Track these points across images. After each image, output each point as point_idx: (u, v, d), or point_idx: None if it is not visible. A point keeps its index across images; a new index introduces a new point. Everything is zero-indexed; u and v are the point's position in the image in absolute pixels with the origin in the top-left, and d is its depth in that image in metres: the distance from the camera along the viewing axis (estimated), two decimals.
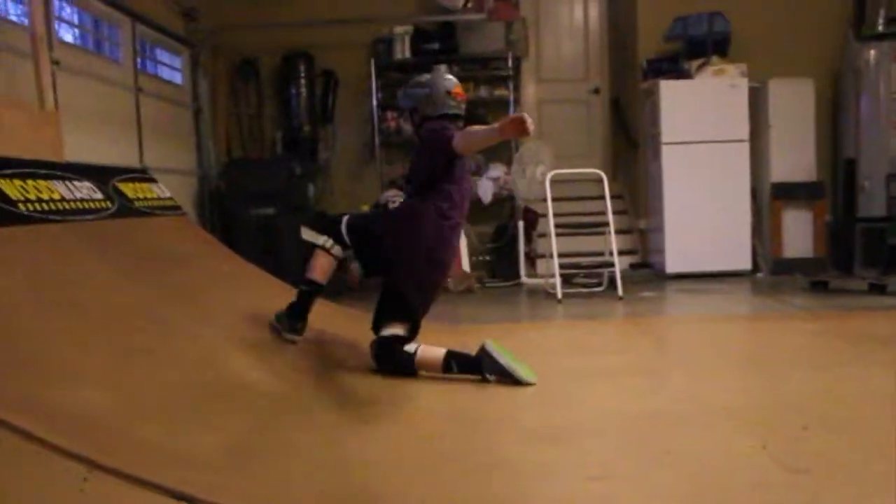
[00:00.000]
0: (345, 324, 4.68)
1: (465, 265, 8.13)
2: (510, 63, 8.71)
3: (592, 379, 3.94)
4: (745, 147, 8.09)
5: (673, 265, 8.04)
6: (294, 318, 4.12)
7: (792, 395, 3.55)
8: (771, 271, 8.24)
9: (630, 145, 9.29)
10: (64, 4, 6.04)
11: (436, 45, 8.73)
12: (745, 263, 8.14)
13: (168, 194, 5.71)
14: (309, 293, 4.12)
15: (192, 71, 8.41)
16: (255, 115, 9.07)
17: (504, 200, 8.52)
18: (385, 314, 4.00)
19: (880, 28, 8.33)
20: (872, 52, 8.19)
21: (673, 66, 8.32)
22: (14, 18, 5.54)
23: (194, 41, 8.34)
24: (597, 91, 9.81)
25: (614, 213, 7.25)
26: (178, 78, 8.30)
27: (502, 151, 8.48)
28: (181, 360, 3.41)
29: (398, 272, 3.99)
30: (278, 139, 8.99)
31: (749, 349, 4.94)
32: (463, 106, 4.36)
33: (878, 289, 6.82)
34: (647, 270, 8.54)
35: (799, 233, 8.42)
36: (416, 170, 4.26)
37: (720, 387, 3.74)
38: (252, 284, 5.06)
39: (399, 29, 8.71)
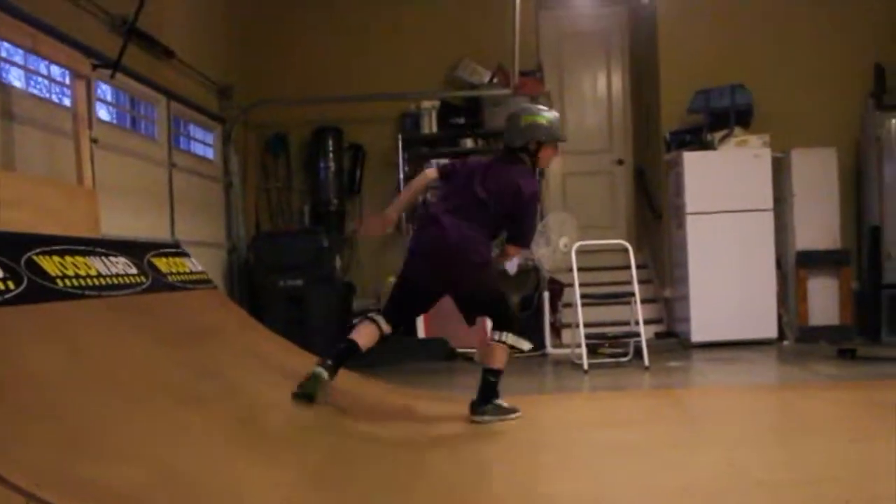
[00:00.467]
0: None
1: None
2: None
3: (622, 452, 3.94)
4: (770, 216, 8.14)
5: (699, 334, 8.04)
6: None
7: (829, 467, 3.52)
8: (797, 339, 8.23)
9: (654, 215, 9.36)
10: (103, 84, 6.23)
11: (462, 120, 8.90)
12: (771, 332, 8.13)
13: (200, 268, 5.83)
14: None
15: (223, 146, 8.61)
16: (283, 188, 9.23)
17: (529, 271, 8.57)
18: None
19: None
20: (894, 121, 8.28)
21: (696, 137, 8.42)
22: (55, 98, 5.72)
23: (227, 117, 8.56)
24: (621, 162, 9.93)
25: (640, 282, 7.29)
26: (210, 153, 8.51)
27: None
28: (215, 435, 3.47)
29: None
30: (306, 212, 9.12)
31: (780, 420, 4.93)
32: None
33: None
34: (673, 340, 8.53)
35: (825, 300, 8.41)
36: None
37: (754, 460, 3.73)
38: (280, 356, 5.14)
39: (426, 104, 8.89)
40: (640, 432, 4.42)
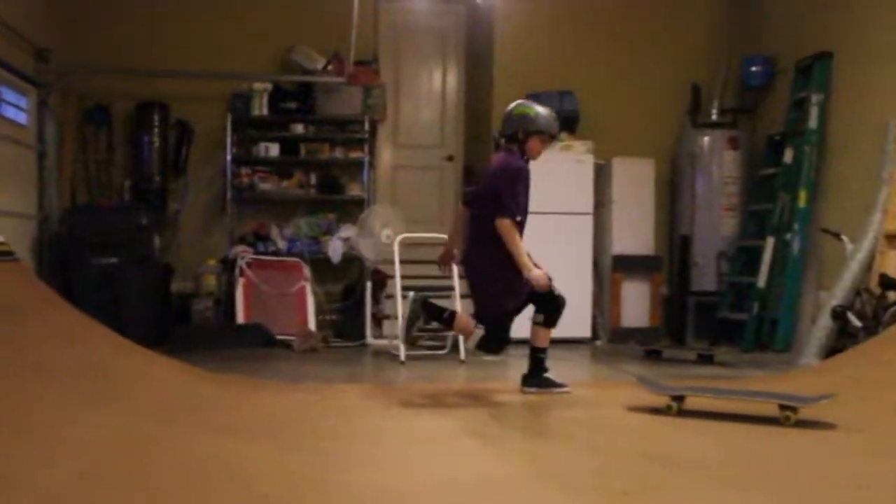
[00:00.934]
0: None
1: (312, 324, 8.12)
2: (367, 127, 8.83)
3: (425, 442, 4.00)
4: (589, 220, 8.44)
5: (515, 330, 8.20)
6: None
7: (613, 456, 3.71)
8: (609, 339, 8.56)
9: None
10: None
11: (293, 105, 8.77)
12: (585, 331, 8.43)
13: (2, 239, 5.51)
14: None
15: (38, 112, 8.15)
16: (104, 162, 8.83)
17: (353, 260, 8.57)
18: None
19: (714, 117, 8.94)
20: (706, 138, 8.76)
21: None
22: None
23: (43, 81, 8.10)
24: (451, 158, 10.04)
25: (463, 277, 7.35)
26: (23, 118, 8.03)
27: (353, 212, 8.57)
28: (17, 423, 3.28)
29: None
30: (127, 188, 8.77)
31: (574, 417, 5.01)
32: None
33: (706, 359, 7.20)
34: None
35: (636, 303, 8.78)
36: None
37: (550, 451, 3.86)
38: (88, 339, 4.92)
39: (258, 85, 8.70)
40: (447, 423, 4.49)
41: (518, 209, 5.06)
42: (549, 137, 5.25)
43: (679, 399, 4.60)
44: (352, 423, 4.50)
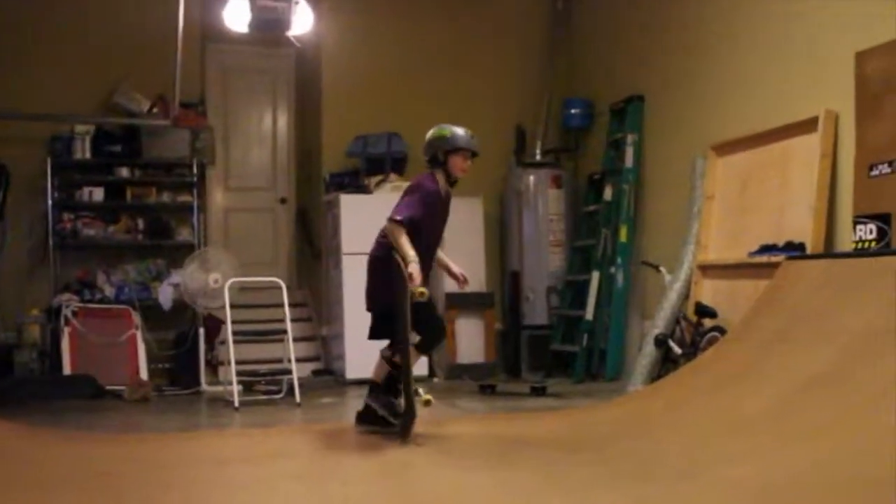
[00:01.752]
0: None
1: (143, 373, 7.88)
2: (195, 170, 8.69)
3: (246, 488, 3.97)
4: None
5: (353, 371, 8.22)
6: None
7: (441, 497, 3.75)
8: (446, 376, 8.66)
9: (313, 254, 9.53)
10: None
11: (118, 148, 8.54)
12: (422, 369, 8.47)
13: None
14: None
15: None
16: None
17: (185, 306, 8.37)
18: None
19: (538, 157, 9.29)
20: (532, 177, 9.08)
21: (353, 180, 8.70)
22: None
23: None
24: (283, 201, 10.01)
25: (299, 320, 7.39)
26: None
27: (184, 257, 8.38)
28: None
29: None
30: None
31: (408, 453, 5.04)
32: None
33: (538, 391, 7.40)
34: (329, 377, 8.68)
35: (472, 339, 8.92)
36: None
37: (364, 493, 3.90)
38: None
39: (80, 128, 8.42)
40: (268, 467, 4.45)
41: (411, 218, 5.09)
42: (469, 154, 5.27)
43: None
44: (179, 473, 4.39)
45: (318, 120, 9.32)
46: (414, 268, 4.85)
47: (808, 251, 6.02)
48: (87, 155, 8.45)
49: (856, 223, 5.74)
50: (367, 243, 8.15)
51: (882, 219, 5.55)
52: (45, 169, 8.30)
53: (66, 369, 7.69)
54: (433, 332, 5.29)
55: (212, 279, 7.51)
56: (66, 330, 7.83)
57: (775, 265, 6.08)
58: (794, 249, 6.12)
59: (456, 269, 5.55)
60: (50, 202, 8.30)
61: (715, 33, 7.39)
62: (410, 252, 4.94)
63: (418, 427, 5.02)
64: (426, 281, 5.06)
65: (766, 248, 6.41)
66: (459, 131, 5.28)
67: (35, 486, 3.85)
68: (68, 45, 8.58)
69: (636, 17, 8.52)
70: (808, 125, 6.22)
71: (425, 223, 5.18)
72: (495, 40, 9.58)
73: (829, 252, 6.01)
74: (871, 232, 5.61)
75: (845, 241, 5.93)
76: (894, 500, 3.07)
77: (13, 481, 3.93)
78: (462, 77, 9.37)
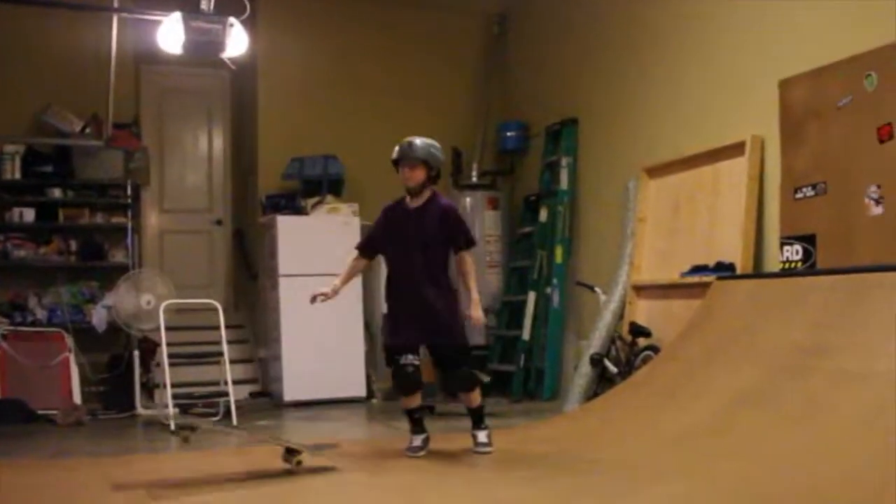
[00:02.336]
0: None
1: (76, 397, 7.74)
2: (129, 191, 8.59)
3: None
4: (358, 281, 8.52)
5: (290, 393, 8.20)
6: None
7: None
8: (384, 398, 8.66)
9: (250, 276, 9.48)
10: None
11: (50, 168, 8.40)
12: (361, 390, 8.49)
13: None
14: None
15: None
16: None
17: (120, 329, 8.25)
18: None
19: (474, 179, 9.38)
20: (468, 199, 9.17)
21: (290, 202, 8.68)
22: None
23: None
24: (220, 222, 9.94)
25: (236, 342, 7.35)
26: None
27: (118, 279, 8.27)
28: None
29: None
30: None
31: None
32: None
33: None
34: (267, 399, 8.63)
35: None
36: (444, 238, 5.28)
37: None
38: None
39: (9, 147, 8.25)
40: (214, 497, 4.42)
41: (366, 242, 5.65)
42: (407, 163, 5.27)
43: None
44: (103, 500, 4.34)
45: (254, 141, 9.30)
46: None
47: (738, 271, 6.17)
48: (17, 175, 8.29)
49: (783, 244, 5.92)
50: (305, 265, 8.29)
51: (807, 240, 5.73)
52: None
53: None
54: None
55: (143, 301, 7.45)
56: None
57: (706, 285, 6.23)
58: (725, 269, 6.26)
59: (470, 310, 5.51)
60: None
61: (646, 59, 7.57)
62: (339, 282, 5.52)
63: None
64: (413, 299, 5.24)
65: (698, 269, 6.55)
66: (401, 144, 5.33)
67: None
68: None
69: (570, 42, 8.68)
70: (736, 149, 6.40)
71: (390, 241, 5.39)
72: (432, 63, 9.67)
73: (757, 272, 6.17)
74: (797, 252, 5.78)
75: (773, 262, 6.10)
76: None
77: None
78: (398, 99, 9.40)
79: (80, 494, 4.45)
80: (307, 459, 4.74)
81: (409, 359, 5.13)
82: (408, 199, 5.39)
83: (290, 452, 4.72)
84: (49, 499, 4.36)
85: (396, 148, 5.33)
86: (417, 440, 5.28)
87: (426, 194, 5.35)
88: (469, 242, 5.33)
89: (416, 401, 5.29)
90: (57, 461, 5.50)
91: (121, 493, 4.32)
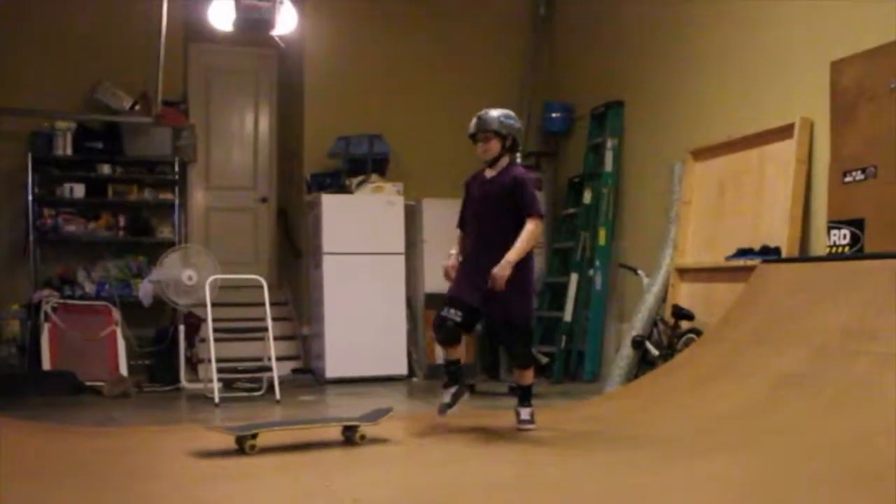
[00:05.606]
0: None
1: (123, 369, 7.89)
2: (176, 168, 8.71)
3: (235, 479, 4.02)
4: (401, 259, 8.62)
5: (332, 370, 8.28)
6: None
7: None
8: (425, 376, 8.71)
9: (294, 254, 9.57)
10: None
11: (100, 145, 8.54)
12: (402, 368, 8.55)
13: None
14: None
15: None
16: None
17: (166, 304, 8.38)
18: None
19: (519, 160, 9.29)
20: None
21: (335, 181, 8.74)
22: None
23: None
24: (265, 200, 10.04)
25: (279, 319, 7.42)
26: None
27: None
28: None
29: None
30: None
31: (388, 447, 5.07)
32: None
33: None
34: (309, 376, 8.72)
35: None
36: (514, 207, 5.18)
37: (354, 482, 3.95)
38: None
39: (61, 124, 8.40)
40: (252, 459, 4.47)
41: (460, 217, 5.67)
42: (481, 138, 5.35)
43: (253, 437, 4.56)
44: (162, 464, 4.43)
45: (300, 120, 9.35)
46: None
47: (784, 255, 6.12)
48: (69, 151, 8.44)
49: (830, 228, 5.86)
50: (349, 243, 8.35)
51: (855, 224, 5.66)
52: (26, 164, 8.27)
53: (46, 365, 7.70)
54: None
55: (185, 276, 7.55)
56: (46, 326, 7.84)
57: (751, 269, 6.18)
58: (770, 253, 6.22)
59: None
60: (30, 198, 8.27)
61: (694, 41, 7.50)
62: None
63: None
64: (480, 264, 5.17)
65: (743, 252, 6.51)
66: (475, 118, 5.39)
67: (28, 476, 3.87)
68: (50, 41, 8.55)
69: (617, 24, 8.62)
70: (785, 132, 6.33)
71: (469, 209, 5.52)
72: (477, 44, 9.64)
73: (803, 256, 6.12)
74: (844, 237, 5.72)
75: (819, 246, 6.04)
76: (857, 496, 3.16)
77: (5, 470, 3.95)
78: (444, 80, 9.43)
79: (158, 460, 4.56)
80: (367, 431, 4.85)
81: (452, 313, 5.15)
82: (486, 170, 5.41)
83: (350, 430, 4.81)
84: (128, 464, 4.46)
85: (472, 121, 5.35)
86: (447, 395, 5.33)
87: (502, 163, 5.38)
88: (534, 211, 5.18)
89: (454, 353, 5.36)
90: (134, 427, 5.61)
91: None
